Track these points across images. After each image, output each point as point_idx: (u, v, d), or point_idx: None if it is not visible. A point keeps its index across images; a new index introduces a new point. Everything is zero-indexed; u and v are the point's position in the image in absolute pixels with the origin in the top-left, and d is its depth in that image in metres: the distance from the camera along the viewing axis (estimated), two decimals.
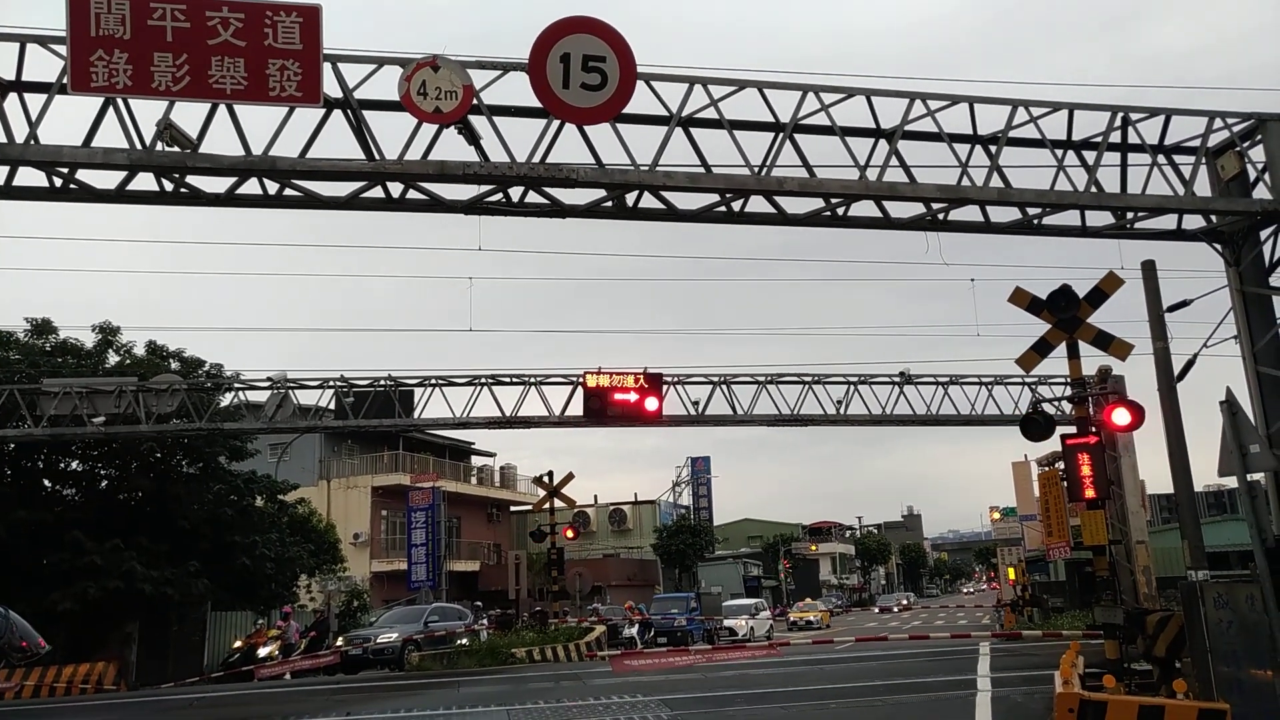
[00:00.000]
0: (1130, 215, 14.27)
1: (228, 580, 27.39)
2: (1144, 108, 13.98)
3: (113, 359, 26.83)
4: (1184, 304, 15.92)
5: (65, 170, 11.45)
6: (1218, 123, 13.84)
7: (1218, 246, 14.30)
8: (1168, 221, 14.50)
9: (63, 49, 10.62)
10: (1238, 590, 9.08)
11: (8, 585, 22.02)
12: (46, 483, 27.09)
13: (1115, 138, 13.81)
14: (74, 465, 27.23)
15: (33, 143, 10.94)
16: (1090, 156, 13.74)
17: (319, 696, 18.04)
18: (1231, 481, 10.13)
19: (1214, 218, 14.20)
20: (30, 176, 11.73)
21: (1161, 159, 14.07)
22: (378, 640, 24.27)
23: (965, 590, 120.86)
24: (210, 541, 26.79)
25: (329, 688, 20.17)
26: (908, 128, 13.20)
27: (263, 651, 25.06)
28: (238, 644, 26.55)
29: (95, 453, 26.71)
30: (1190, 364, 14.39)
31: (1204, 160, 13.92)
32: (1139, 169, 14.04)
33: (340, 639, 26.14)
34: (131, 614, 25.24)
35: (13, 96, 11.20)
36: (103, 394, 22.26)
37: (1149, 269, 14.43)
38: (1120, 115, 13.77)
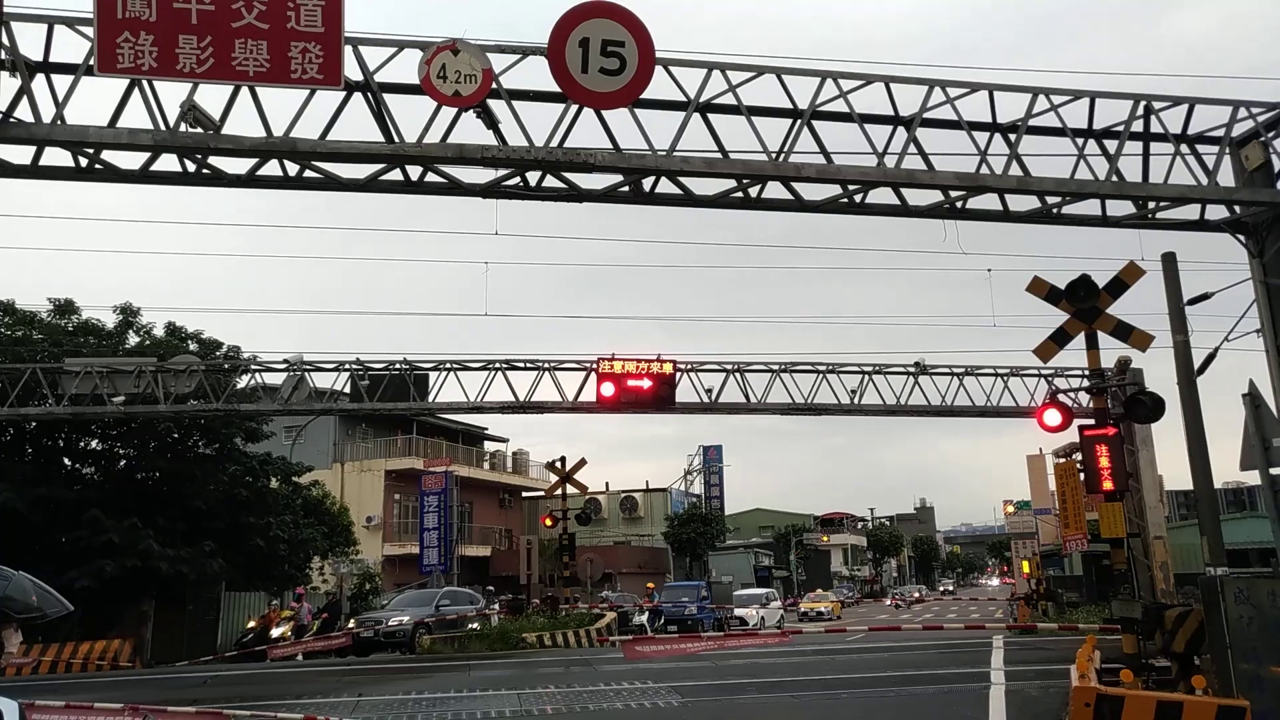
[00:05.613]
0: (1152, 205, 14.13)
1: (242, 561, 27.60)
2: (1167, 96, 13.80)
3: (133, 339, 27.06)
4: (1205, 297, 15.79)
5: (91, 150, 11.52)
6: (1242, 112, 13.69)
7: (1241, 238, 14.16)
8: (1190, 211, 14.33)
9: (90, 30, 10.67)
10: (1259, 586, 8.99)
11: (27, 561, 22.18)
12: (66, 461, 27.33)
13: (1137, 126, 13.65)
14: (93, 444, 27.49)
15: (59, 123, 10.98)
16: (1111, 146, 13.58)
17: (331, 677, 18.16)
18: (1252, 477, 10.05)
19: (1237, 208, 14.06)
20: (57, 156, 11.82)
21: (1184, 148, 13.91)
22: (389, 623, 24.42)
23: (946, 588, 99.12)
24: (225, 522, 27.00)
25: (341, 669, 20.32)
26: (926, 115, 13.06)
27: (276, 632, 25.27)
28: (251, 624, 26.82)
29: (114, 432, 26.94)
30: (1211, 357, 14.30)
31: (1228, 150, 13.76)
32: (1161, 158, 13.87)
33: (352, 621, 26.32)
34: (147, 592, 25.50)
35: (40, 77, 11.24)
36: (123, 374, 22.40)
37: (1169, 261, 14.35)
38: (1143, 104, 13.58)
